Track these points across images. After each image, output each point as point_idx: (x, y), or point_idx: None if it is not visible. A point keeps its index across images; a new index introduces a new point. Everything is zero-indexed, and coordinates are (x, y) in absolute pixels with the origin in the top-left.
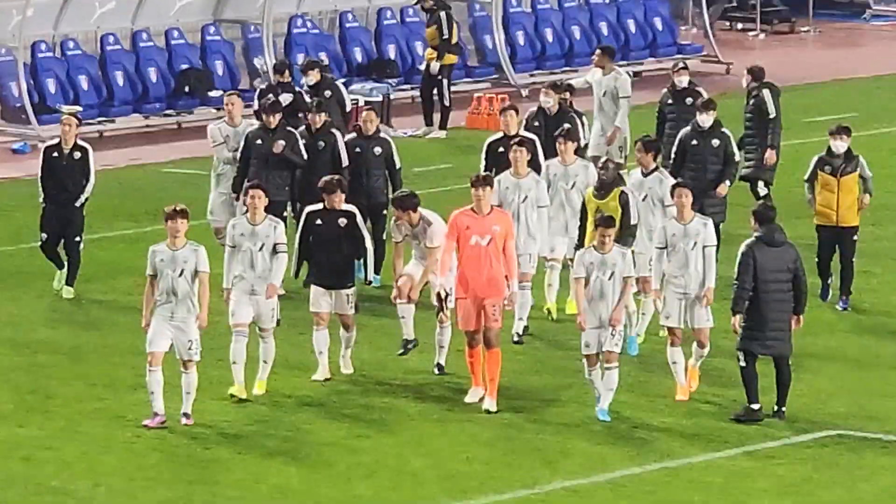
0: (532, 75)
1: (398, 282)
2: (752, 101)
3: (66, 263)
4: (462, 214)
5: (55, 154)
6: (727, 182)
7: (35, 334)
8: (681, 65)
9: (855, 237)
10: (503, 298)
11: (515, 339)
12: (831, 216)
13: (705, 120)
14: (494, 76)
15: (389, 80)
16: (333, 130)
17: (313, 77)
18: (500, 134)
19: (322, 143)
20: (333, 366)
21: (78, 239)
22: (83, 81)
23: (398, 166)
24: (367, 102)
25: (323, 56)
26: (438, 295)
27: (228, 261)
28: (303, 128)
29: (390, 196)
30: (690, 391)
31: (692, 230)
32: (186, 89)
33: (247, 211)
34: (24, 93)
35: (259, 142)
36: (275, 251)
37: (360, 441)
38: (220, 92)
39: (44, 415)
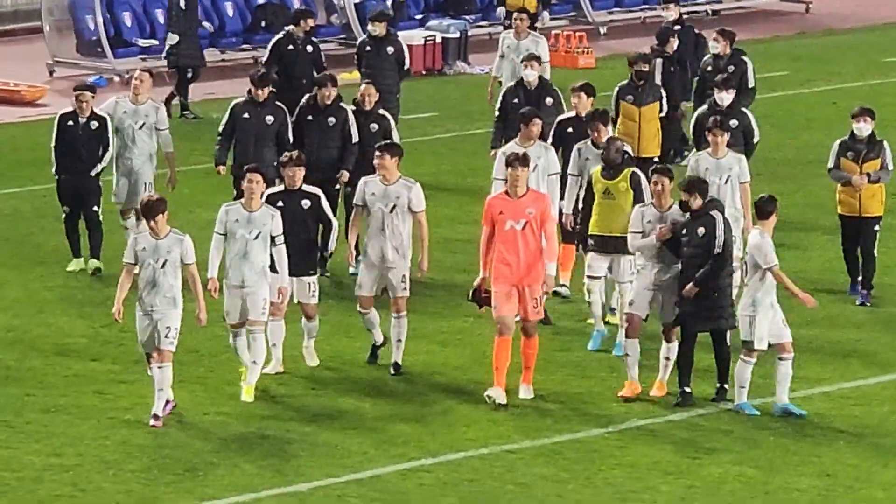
0: (610, 13)
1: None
2: None
3: (88, 240)
4: (495, 199)
5: (70, 122)
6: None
7: (110, 268)
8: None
9: (877, 227)
10: (542, 286)
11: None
12: (854, 205)
13: (724, 98)
14: (572, 13)
15: (467, 17)
16: (343, 105)
17: (379, 29)
18: (572, 114)
19: (332, 120)
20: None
21: (96, 209)
22: (159, 15)
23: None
24: (444, 39)
25: None
26: (478, 290)
27: (216, 248)
28: (304, 101)
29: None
30: None
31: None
32: (263, 24)
33: (238, 196)
34: (101, 26)
35: (246, 115)
36: (273, 243)
37: (434, 378)
38: None
39: (118, 348)
